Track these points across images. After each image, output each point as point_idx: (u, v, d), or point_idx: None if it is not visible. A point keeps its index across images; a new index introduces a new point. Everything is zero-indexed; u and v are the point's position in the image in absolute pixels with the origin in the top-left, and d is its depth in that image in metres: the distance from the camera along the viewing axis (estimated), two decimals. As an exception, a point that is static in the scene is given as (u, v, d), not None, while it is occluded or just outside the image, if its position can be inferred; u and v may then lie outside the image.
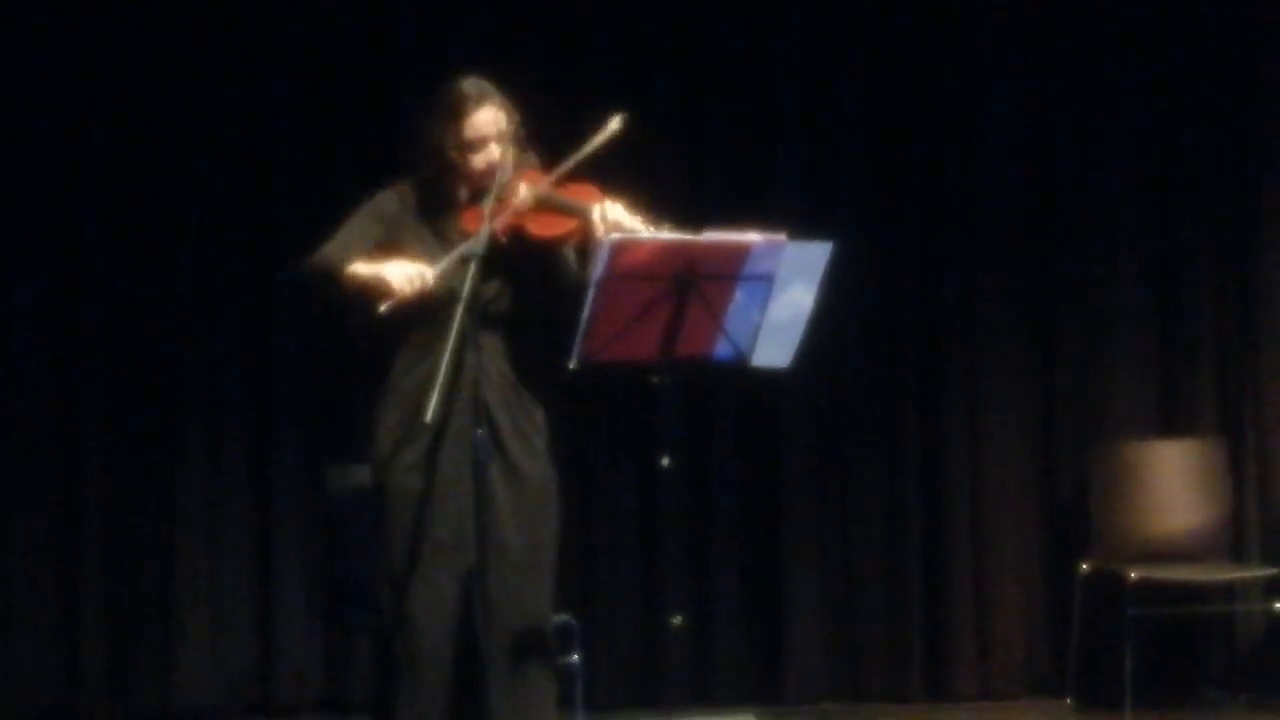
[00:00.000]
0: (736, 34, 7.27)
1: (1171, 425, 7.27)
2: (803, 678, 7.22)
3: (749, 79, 7.28)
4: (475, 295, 4.65)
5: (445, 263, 4.73)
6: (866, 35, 7.30)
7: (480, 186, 4.83)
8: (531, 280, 4.88)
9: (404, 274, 4.70)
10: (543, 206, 4.84)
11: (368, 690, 4.97)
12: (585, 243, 4.80)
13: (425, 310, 4.79)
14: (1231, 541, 7.13)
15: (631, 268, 4.65)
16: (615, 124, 4.78)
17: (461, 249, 4.72)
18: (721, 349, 4.84)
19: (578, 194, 4.83)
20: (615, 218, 4.73)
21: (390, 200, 4.91)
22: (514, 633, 4.80)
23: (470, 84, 4.87)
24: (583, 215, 4.77)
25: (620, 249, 4.64)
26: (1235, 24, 7.28)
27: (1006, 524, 7.25)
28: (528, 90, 5.02)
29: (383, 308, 4.69)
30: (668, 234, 4.71)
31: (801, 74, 7.27)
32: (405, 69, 7.08)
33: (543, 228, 4.83)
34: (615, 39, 7.24)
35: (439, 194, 4.88)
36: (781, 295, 4.77)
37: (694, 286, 4.71)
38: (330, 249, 4.82)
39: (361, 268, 4.75)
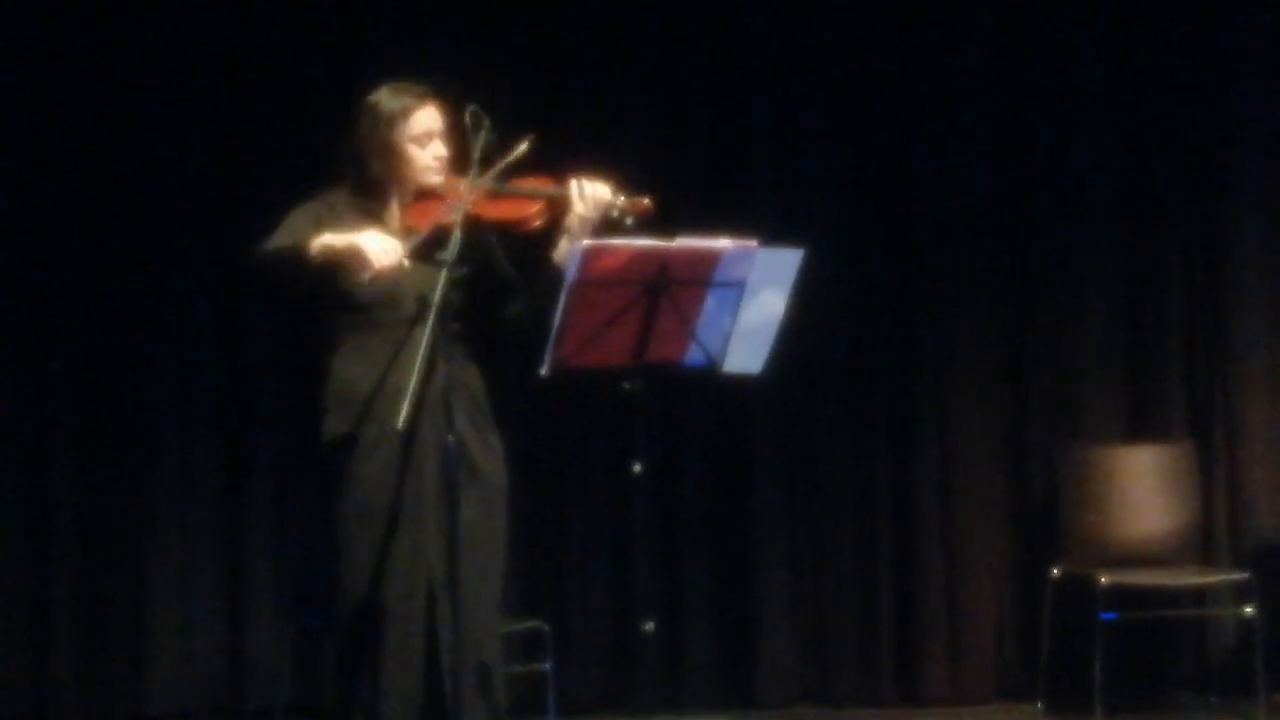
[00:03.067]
0: (709, 40, 7.29)
1: (1141, 430, 7.30)
2: (774, 682, 7.23)
3: (721, 84, 7.29)
4: (446, 302, 4.65)
5: (410, 244, 4.72)
6: (839, 40, 7.31)
7: (419, 188, 4.83)
8: (479, 281, 4.87)
9: (380, 244, 4.66)
10: (498, 195, 4.83)
11: (333, 694, 4.94)
12: (555, 224, 4.79)
13: (371, 312, 4.79)
14: (1201, 546, 7.15)
15: (603, 273, 4.65)
16: (525, 145, 4.78)
17: (420, 240, 4.71)
18: (693, 355, 4.84)
19: (535, 183, 4.83)
20: (598, 193, 4.75)
21: (318, 206, 4.89)
22: (470, 636, 4.77)
23: (409, 86, 4.92)
24: (548, 198, 4.77)
25: (592, 254, 4.64)
26: (1204, 29, 7.31)
27: (977, 528, 7.27)
28: (498, 99, 5.02)
29: (366, 277, 4.65)
30: (640, 240, 4.72)
31: (774, 79, 7.29)
32: (381, 74, 7.06)
33: (502, 212, 4.81)
34: (589, 45, 7.25)
35: (374, 197, 4.88)
36: (753, 301, 4.77)
37: (666, 292, 4.71)
38: (280, 237, 4.80)
39: (334, 238, 4.70)
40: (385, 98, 4.90)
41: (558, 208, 4.79)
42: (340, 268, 4.69)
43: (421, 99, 4.89)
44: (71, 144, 7.13)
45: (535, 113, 6.63)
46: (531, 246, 4.87)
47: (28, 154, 7.12)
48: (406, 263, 4.69)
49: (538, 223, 4.80)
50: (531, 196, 4.81)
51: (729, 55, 7.29)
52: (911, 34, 7.32)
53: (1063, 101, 7.33)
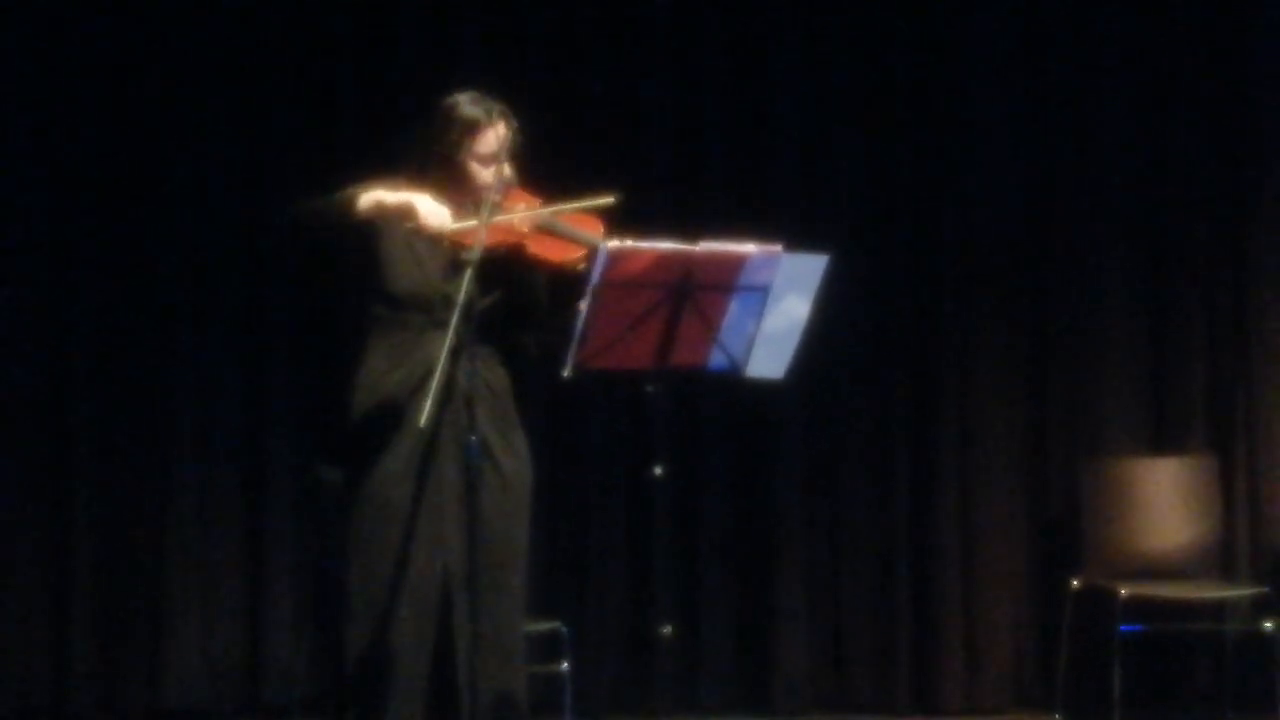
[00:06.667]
0: (733, 45, 7.28)
1: (1162, 442, 7.28)
2: (790, 688, 7.22)
3: (746, 89, 7.29)
4: (471, 303, 4.67)
5: (461, 225, 4.77)
6: (862, 49, 7.30)
7: (476, 199, 4.85)
8: (514, 297, 4.90)
9: (433, 206, 4.75)
10: (546, 231, 4.85)
11: (339, 695, 4.95)
12: (576, 274, 4.81)
13: (402, 309, 4.83)
14: (1221, 559, 7.14)
15: (627, 276, 4.67)
16: (609, 199, 4.80)
17: (473, 222, 4.76)
18: (716, 359, 4.85)
19: (582, 224, 4.85)
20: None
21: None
22: (489, 636, 4.79)
23: (485, 100, 4.93)
24: (590, 246, 4.78)
25: (617, 257, 4.65)
26: (1228, 35, 7.29)
27: (997, 538, 7.26)
28: (522, 100, 5.03)
29: (409, 226, 4.74)
30: (664, 243, 4.72)
31: (798, 87, 7.28)
32: (403, 71, 7.09)
33: (545, 250, 4.84)
34: (611, 49, 7.25)
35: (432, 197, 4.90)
36: (776, 306, 4.78)
37: (689, 296, 4.72)
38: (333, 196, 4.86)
39: (387, 195, 4.76)
40: (461, 106, 4.90)
41: (594, 256, 4.79)
42: (384, 222, 4.75)
43: (494, 117, 4.89)
44: (91, 149, 7.14)
45: (557, 117, 6.66)
46: (560, 284, 4.88)
47: (48, 161, 7.15)
48: (447, 233, 4.75)
49: (580, 267, 4.81)
50: (576, 241, 4.82)
51: (751, 58, 7.28)
52: (933, 39, 7.31)
53: (1085, 111, 7.31)
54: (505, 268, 4.82)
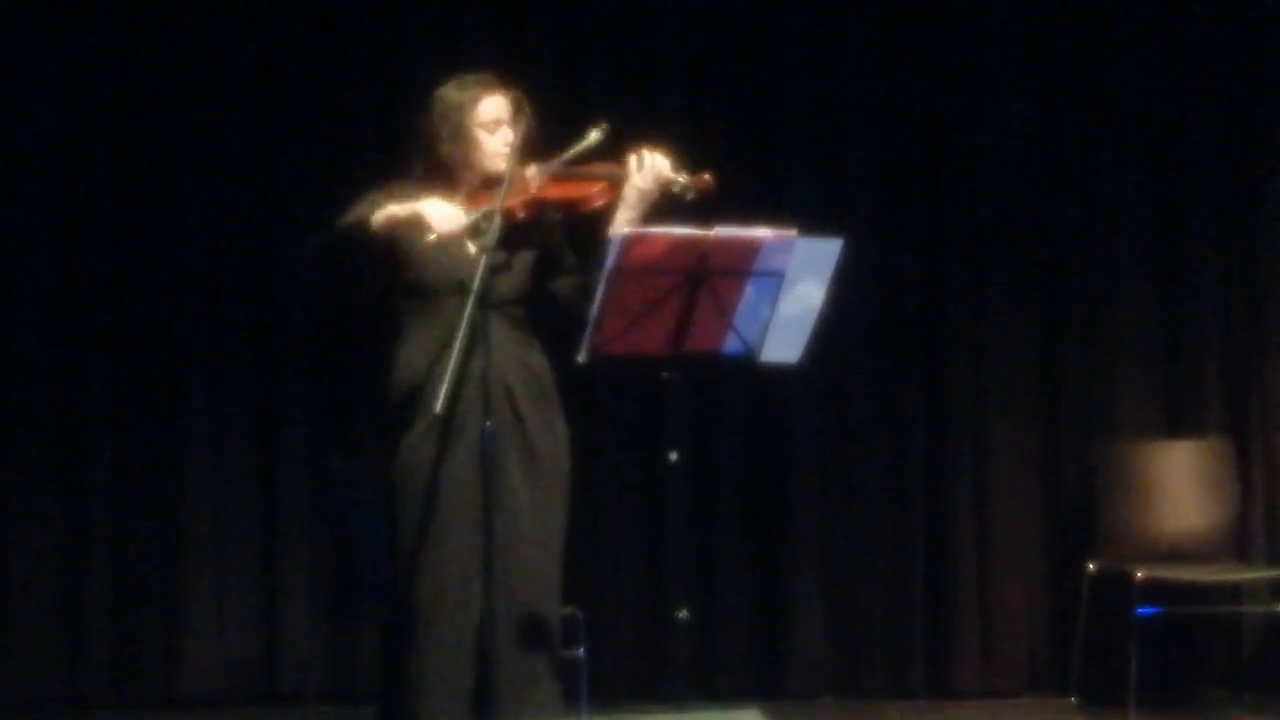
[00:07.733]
0: (746, 29, 7.28)
1: (1178, 425, 7.27)
2: (806, 672, 7.23)
3: (759, 75, 7.29)
4: (485, 287, 4.67)
5: (474, 217, 4.75)
6: (877, 33, 7.30)
7: (487, 175, 4.85)
8: (542, 264, 4.91)
9: (442, 210, 4.72)
10: (560, 178, 4.85)
11: (378, 682, 4.97)
12: (610, 206, 4.79)
13: (433, 298, 4.84)
14: (1237, 542, 7.13)
15: (642, 261, 4.65)
16: (595, 135, 4.81)
17: (480, 216, 4.75)
18: (731, 344, 4.84)
19: (597, 165, 4.84)
20: (657, 166, 4.76)
21: (384, 195, 4.92)
22: (522, 624, 4.80)
23: (477, 75, 4.98)
24: (608, 179, 4.78)
25: (632, 242, 4.64)
26: (1238, 21, 7.27)
27: (1011, 521, 7.26)
28: (532, 84, 5.03)
29: (431, 239, 4.69)
30: (679, 229, 4.71)
31: (813, 71, 7.28)
32: (412, 60, 7.09)
33: (563, 192, 4.83)
34: (624, 34, 7.25)
35: (442, 183, 4.90)
36: (791, 291, 4.77)
37: (704, 282, 4.71)
38: (349, 216, 4.84)
39: (397, 207, 4.75)
40: (453, 88, 4.94)
41: (620, 186, 4.79)
42: (402, 236, 4.73)
43: (488, 87, 4.93)
44: (106, 131, 7.17)
45: (571, 104, 6.65)
46: (591, 223, 4.87)
47: (61, 146, 7.17)
48: (461, 230, 4.73)
49: (600, 202, 4.80)
50: (593, 178, 4.82)
51: (764, 45, 7.28)
52: (947, 25, 7.30)
53: (1097, 95, 7.30)
54: (528, 230, 4.82)
